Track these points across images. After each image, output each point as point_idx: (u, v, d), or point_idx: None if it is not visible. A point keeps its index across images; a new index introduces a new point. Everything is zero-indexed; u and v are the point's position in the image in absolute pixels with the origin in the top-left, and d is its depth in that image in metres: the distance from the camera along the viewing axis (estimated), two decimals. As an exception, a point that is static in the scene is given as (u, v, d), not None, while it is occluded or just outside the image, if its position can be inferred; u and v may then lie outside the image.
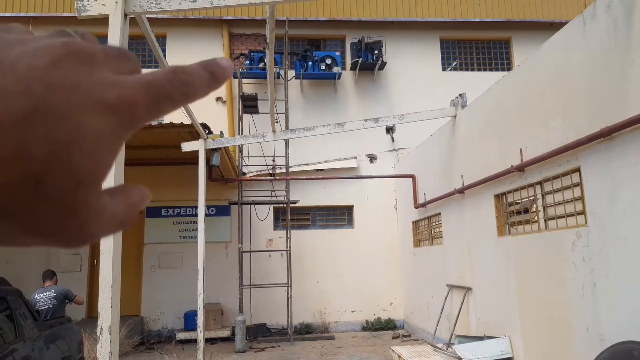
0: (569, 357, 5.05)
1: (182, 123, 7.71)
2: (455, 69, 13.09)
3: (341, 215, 12.22)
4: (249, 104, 10.86)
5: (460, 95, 7.96)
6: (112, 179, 3.50)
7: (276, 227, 11.85)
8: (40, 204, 0.25)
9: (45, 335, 4.97)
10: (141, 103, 0.28)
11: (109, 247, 3.38)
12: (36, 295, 6.75)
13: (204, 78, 0.31)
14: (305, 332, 11.03)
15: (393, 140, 12.19)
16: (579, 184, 5.00)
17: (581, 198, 4.97)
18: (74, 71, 0.27)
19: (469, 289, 7.60)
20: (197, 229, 8.68)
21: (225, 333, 10.43)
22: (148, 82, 0.29)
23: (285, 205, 11.05)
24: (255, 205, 11.33)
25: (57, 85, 0.26)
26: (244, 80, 11.79)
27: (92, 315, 10.42)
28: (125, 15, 3.47)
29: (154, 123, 8.51)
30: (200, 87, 0.31)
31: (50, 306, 6.72)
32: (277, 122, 9.71)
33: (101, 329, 3.32)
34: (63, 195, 0.26)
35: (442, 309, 8.49)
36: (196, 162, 7.62)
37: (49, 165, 0.25)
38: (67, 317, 6.03)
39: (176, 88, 0.29)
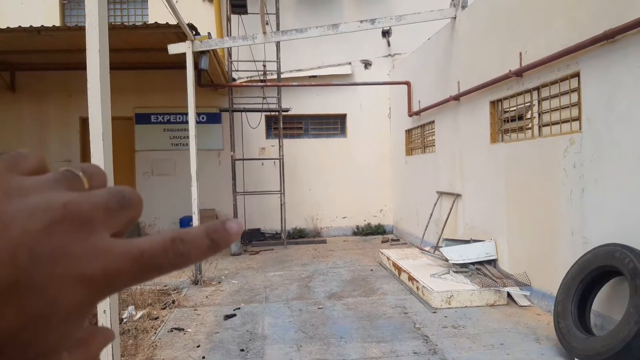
0: (552, 258, 5.27)
1: (167, 23, 7.33)
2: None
3: (334, 124, 12.12)
4: (237, 4, 10.26)
5: (460, -6, 7.55)
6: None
7: (268, 135, 11.78)
8: None
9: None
10: (125, 274, 0.26)
11: (100, 153, 3.32)
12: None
13: (204, 248, 0.28)
14: (299, 236, 11.39)
15: (389, 45, 11.76)
16: (577, 89, 4.90)
17: (578, 104, 4.89)
18: (66, 240, 0.25)
19: (458, 195, 7.74)
20: (188, 137, 8.58)
21: (221, 237, 10.73)
22: (141, 253, 0.27)
23: (277, 113, 10.88)
24: (247, 113, 11.16)
25: (44, 256, 0.24)
26: (232, -22, 11.06)
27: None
28: None
29: (138, 23, 8.09)
30: (195, 256, 0.28)
31: None
32: (267, 23, 9.25)
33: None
34: None
35: (431, 214, 8.72)
36: (184, 66, 7.34)
37: (13, 338, 0.24)
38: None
39: (169, 259, 0.27)
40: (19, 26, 7.52)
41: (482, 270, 6.31)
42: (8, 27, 7.47)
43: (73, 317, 0.26)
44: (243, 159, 11.04)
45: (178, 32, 7.34)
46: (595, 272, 4.26)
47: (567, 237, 5.01)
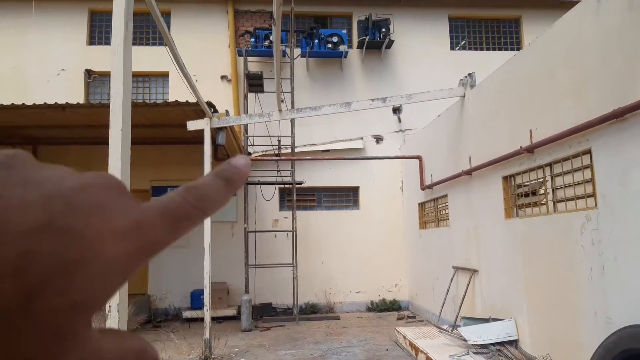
0: (575, 340, 5.05)
1: (187, 101, 7.64)
2: (464, 48, 12.87)
3: (347, 196, 12.19)
4: (255, 83, 10.74)
5: (469, 74, 7.83)
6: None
7: (282, 207, 11.85)
8: (25, 322, 0.23)
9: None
10: (158, 227, 0.28)
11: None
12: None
13: (220, 187, 0.30)
14: (311, 312, 11.11)
15: (400, 121, 12.08)
16: (590, 166, 4.92)
17: (591, 180, 4.89)
18: (98, 197, 0.26)
19: (475, 271, 7.58)
20: (202, 209, 8.62)
21: (231, 312, 10.51)
22: (164, 206, 0.28)
23: (290, 185, 11.02)
24: (261, 186, 11.31)
25: (78, 204, 0.25)
26: (249, 59, 11.66)
27: (99, 293, 10.50)
28: (130, -11, 3.39)
29: (159, 101, 8.46)
30: (217, 198, 0.30)
31: None
32: (282, 101, 9.61)
33: (109, 306, 3.32)
34: (53, 317, 0.24)
35: (448, 290, 8.50)
36: (201, 142, 7.56)
37: (48, 282, 0.23)
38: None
39: (192, 205, 0.29)
40: (45, 103, 7.89)
41: (503, 351, 6.04)
42: (34, 104, 7.83)
43: (112, 271, 0.25)
44: (256, 231, 11.04)
45: (197, 109, 7.64)
46: (622, 355, 4.06)
47: (590, 317, 4.82)
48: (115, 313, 3.33)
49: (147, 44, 12.24)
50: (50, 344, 0.24)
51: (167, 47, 5.46)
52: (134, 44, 3.70)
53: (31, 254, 0.23)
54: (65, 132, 10.02)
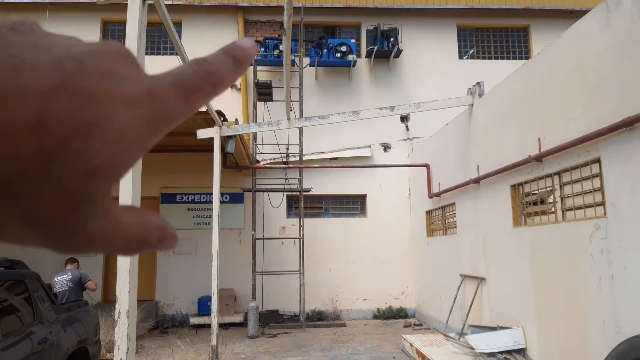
0: (584, 349, 5.02)
1: (197, 110, 7.71)
2: (472, 57, 12.90)
3: (354, 204, 12.21)
4: (264, 92, 10.84)
5: (477, 83, 7.85)
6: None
7: (289, 214, 11.88)
8: (46, 185, 0.24)
9: (62, 319, 5.05)
10: (172, 98, 0.27)
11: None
12: (55, 278, 6.91)
13: (228, 64, 0.30)
14: (317, 319, 11.10)
15: (407, 129, 12.10)
16: (599, 175, 4.92)
17: (601, 189, 4.89)
18: (110, 62, 0.26)
19: (482, 279, 7.56)
20: (211, 216, 8.74)
21: (238, 319, 10.53)
22: (175, 77, 0.28)
23: (298, 193, 11.06)
24: (269, 193, 11.36)
25: (90, 68, 0.25)
26: (259, 68, 11.76)
27: (107, 299, 10.57)
28: (144, 0, 3.46)
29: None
30: (226, 74, 0.30)
31: (66, 288, 6.87)
32: (291, 110, 9.69)
33: (119, 312, 3.36)
34: (72, 181, 0.24)
35: (455, 299, 8.47)
36: (210, 150, 7.63)
37: (65, 144, 0.24)
38: (84, 301, 6.12)
39: (203, 79, 0.29)
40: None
41: (511, 360, 6.01)
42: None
43: (128, 138, 0.26)
44: (263, 238, 11.08)
45: (207, 118, 7.71)
46: (633, 365, 4.03)
47: (599, 325, 4.80)
48: (124, 319, 3.37)
49: (159, 54, 12.39)
50: (70, 209, 0.25)
51: (178, 57, 5.53)
52: (145, 53, 3.77)
53: (48, 114, 0.23)
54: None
